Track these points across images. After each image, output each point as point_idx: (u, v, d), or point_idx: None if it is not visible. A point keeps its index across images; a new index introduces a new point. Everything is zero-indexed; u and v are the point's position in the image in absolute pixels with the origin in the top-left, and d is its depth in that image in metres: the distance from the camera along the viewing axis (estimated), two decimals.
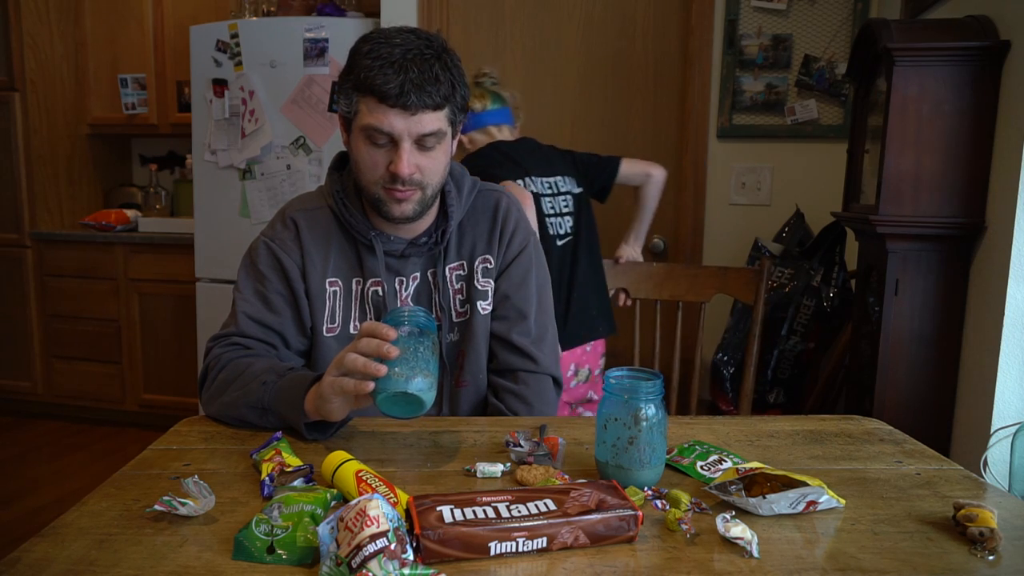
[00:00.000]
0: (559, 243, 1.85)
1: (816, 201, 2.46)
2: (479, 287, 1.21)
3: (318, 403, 0.95)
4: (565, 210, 1.88)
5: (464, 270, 1.22)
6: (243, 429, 1.05)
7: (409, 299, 1.20)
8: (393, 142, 1.06)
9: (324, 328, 1.18)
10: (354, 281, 1.19)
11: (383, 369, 0.87)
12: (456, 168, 1.23)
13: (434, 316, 1.20)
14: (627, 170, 2.00)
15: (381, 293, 1.17)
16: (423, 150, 1.08)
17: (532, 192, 1.80)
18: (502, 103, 1.99)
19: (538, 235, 1.29)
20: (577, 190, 1.93)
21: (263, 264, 1.18)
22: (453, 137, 1.14)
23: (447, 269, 1.21)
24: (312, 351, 1.20)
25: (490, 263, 1.22)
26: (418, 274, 1.20)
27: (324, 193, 1.22)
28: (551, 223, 1.84)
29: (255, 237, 1.22)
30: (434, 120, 1.06)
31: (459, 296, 1.21)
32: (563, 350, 1.83)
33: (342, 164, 1.23)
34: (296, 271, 1.17)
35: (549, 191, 1.86)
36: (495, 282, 1.23)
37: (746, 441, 1.05)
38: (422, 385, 0.89)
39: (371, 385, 0.88)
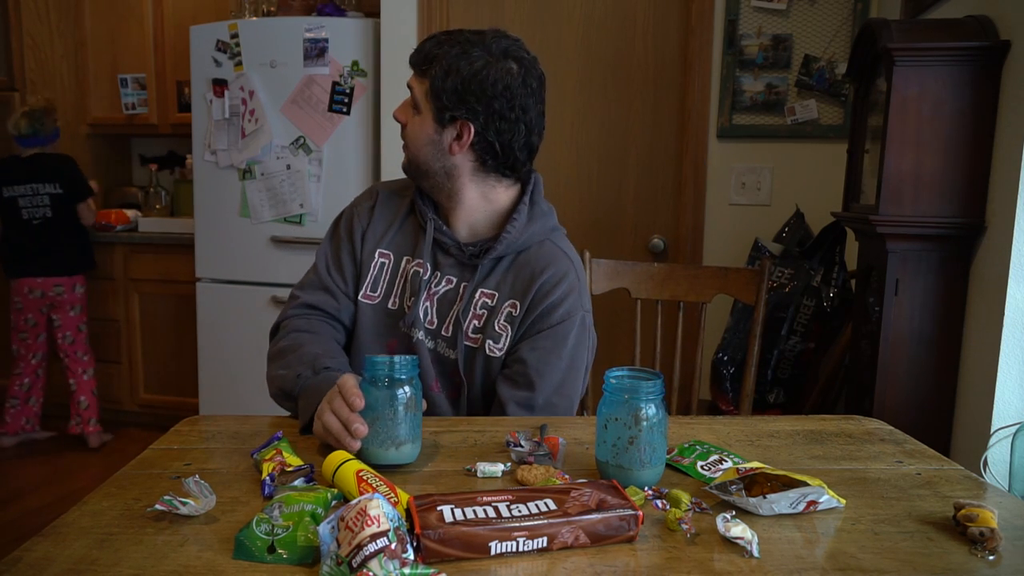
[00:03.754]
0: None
1: (816, 201, 2.46)
2: (497, 329, 1.19)
3: None
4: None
5: (493, 301, 1.20)
6: (247, 426, 1.06)
7: (436, 296, 1.21)
8: None
9: (362, 293, 1.26)
10: (404, 259, 1.25)
11: (356, 446, 0.89)
12: (543, 206, 1.24)
13: (449, 329, 1.20)
14: None
15: (421, 274, 1.21)
16: (415, 112, 1.19)
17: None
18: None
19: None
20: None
21: (342, 227, 1.31)
22: (442, 127, 1.16)
23: (480, 291, 1.20)
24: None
25: (515, 310, 1.19)
26: (453, 279, 1.21)
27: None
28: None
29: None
30: (416, 83, 1.17)
31: (475, 322, 1.20)
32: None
33: None
34: (359, 234, 1.28)
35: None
36: (520, 343, 1.19)
37: (746, 441, 1.05)
38: (395, 456, 0.90)
39: (352, 449, 0.89)
